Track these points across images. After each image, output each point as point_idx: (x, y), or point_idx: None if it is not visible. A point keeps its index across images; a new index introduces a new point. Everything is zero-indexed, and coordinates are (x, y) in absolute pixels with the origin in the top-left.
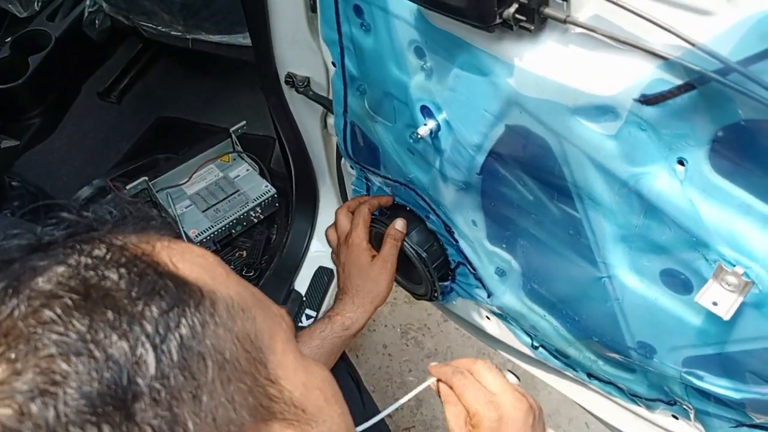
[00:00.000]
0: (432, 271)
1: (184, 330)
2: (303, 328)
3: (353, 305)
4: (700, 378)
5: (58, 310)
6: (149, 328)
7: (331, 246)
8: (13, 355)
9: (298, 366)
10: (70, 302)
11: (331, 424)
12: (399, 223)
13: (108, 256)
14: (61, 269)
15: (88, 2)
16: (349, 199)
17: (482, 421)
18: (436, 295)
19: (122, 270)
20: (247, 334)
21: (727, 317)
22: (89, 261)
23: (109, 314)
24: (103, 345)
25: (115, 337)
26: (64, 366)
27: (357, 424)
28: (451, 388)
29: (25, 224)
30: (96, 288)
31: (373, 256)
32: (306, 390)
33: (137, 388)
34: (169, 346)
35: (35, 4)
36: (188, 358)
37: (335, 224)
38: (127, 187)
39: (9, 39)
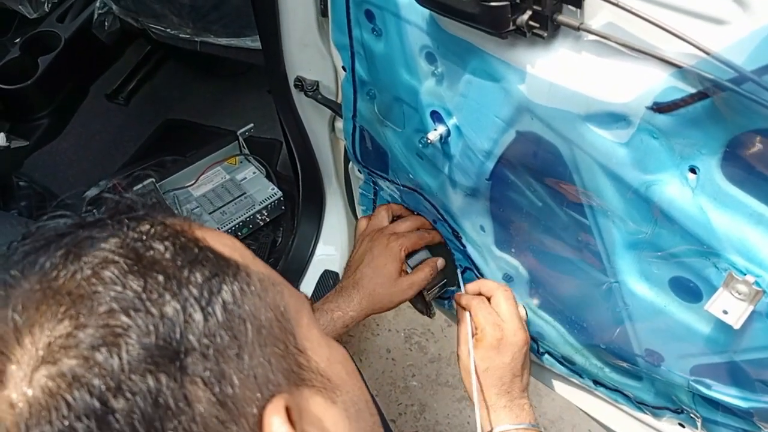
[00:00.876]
0: (426, 294)
1: (225, 295)
2: None
3: (358, 305)
4: (708, 387)
5: (116, 272)
6: (195, 291)
7: (357, 231)
8: (76, 312)
9: (321, 341)
10: (125, 266)
11: (353, 395)
12: (440, 261)
13: (153, 231)
14: (113, 240)
15: (97, 4)
16: (356, 203)
17: (486, 337)
18: (432, 314)
19: (167, 243)
20: (277, 305)
21: (737, 326)
22: (136, 234)
23: (160, 277)
24: (158, 303)
25: (167, 297)
26: (124, 319)
27: None
28: (469, 310)
29: (20, 220)
30: (145, 256)
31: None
32: (330, 363)
33: (188, 343)
34: (214, 308)
35: (45, 5)
36: (231, 320)
37: (372, 215)
38: (134, 188)
39: (19, 40)
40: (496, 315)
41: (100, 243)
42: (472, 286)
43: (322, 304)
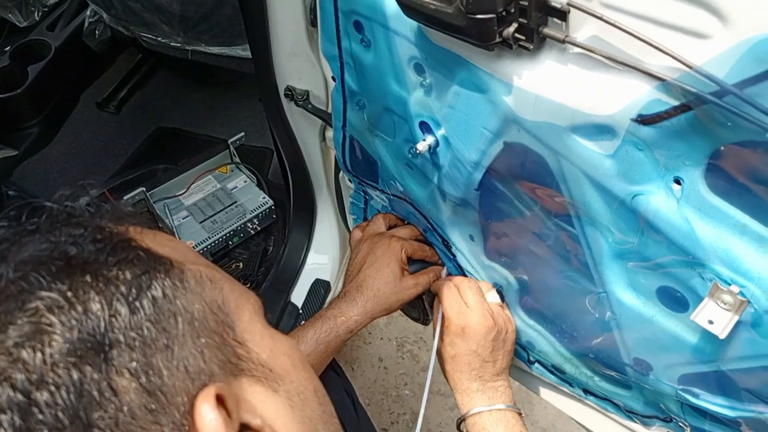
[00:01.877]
0: (425, 299)
1: (155, 291)
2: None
3: (363, 308)
4: (695, 396)
5: (43, 273)
6: (123, 288)
7: (351, 242)
8: (3, 311)
9: (265, 333)
10: (53, 268)
11: (298, 384)
12: (444, 271)
13: (85, 233)
14: (43, 244)
15: (88, 13)
16: (347, 211)
17: (450, 325)
18: (428, 321)
19: (98, 244)
20: (214, 299)
21: (722, 336)
22: (69, 238)
23: (87, 277)
24: (83, 300)
25: (92, 294)
26: (49, 316)
27: None
28: (439, 297)
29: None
30: (75, 257)
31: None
32: (273, 354)
33: (113, 336)
34: (142, 303)
35: (35, 13)
36: (159, 314)
37: (369, 222)
38: (125, 197)
39: (9, 48)
40: (462, 304)
41: (31, 246)
42: (439, 282)
43: (325, 311)
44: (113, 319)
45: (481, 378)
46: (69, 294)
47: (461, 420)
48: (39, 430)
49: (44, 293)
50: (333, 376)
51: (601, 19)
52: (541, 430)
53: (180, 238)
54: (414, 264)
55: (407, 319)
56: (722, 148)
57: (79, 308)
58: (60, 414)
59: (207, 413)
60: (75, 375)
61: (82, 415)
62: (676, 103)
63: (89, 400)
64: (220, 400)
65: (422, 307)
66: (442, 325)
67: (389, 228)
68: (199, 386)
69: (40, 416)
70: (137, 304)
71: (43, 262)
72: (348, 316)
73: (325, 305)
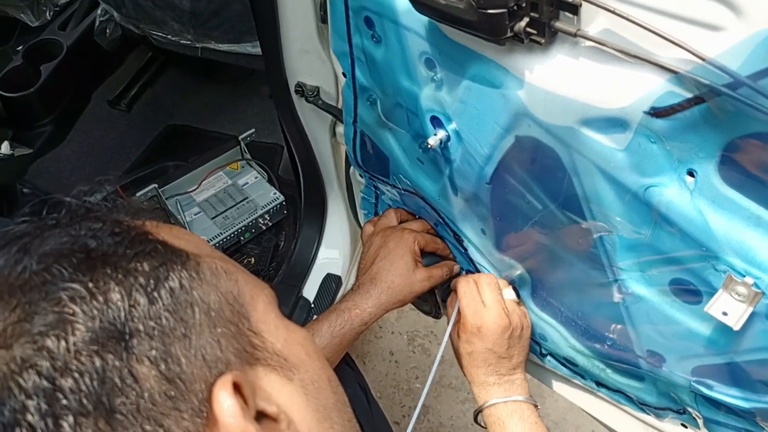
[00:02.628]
0: (437, 293)
1: (172, 283)
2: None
3: (377, 299)
4: (709, 387)
5: (65, 265)
6: (142, 279)
7: (362, 236)
8: (27, 302)
9: (279, 324)
10: (74, 260)
11: (312, 374)
12: (458, 267)
13: (104, 227)
14: (64, 238)
15: (99, 12)
16: (357, 206)
17: (467, 324)
18: (439, 315)
19: (117, 237)
20: (230, 291)
21: (737, 327)
22: (88, 231)
23: (107, 269)
24: (103, 291)
25: (113, 285)
26: (72, 306)
27: (366, 431)
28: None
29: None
30: (95, 250)
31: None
32: (287, 344)
33: (133, 325)
34: (160, 293)
35: (47, 13)
36: (177, 304)
37: (381, 216)
38: (137, 194)
39: (21, 48)
40: (479, 302)
41: (52, 240)
42: (459, 278)
43: (339, 304)
44: (133, 309)
45: (497, 372)
46: (90, 285)
47: (478, 411)
48: (64, 415)
49: (66, 284)
50: (346, 370)
51: (613, 12)
52: (552, 423)
53: None
54: (427, 257)
55: (418, 313)
56: (736, 139)
57: (100, 298)
58: (84, 400)
59: (224, 400)
60: (97, 362)
61: (105, 401)
62: (689, 95)
63: (111, 387)
64: (237, 388)
65: (434, 301)
66: (457, 321)
67: (400, 222)
68: (216, 374)
69: (65, 402)
70: (155, 294)
71: (65, 254)
72: (362, 309)
73: (337, 299)
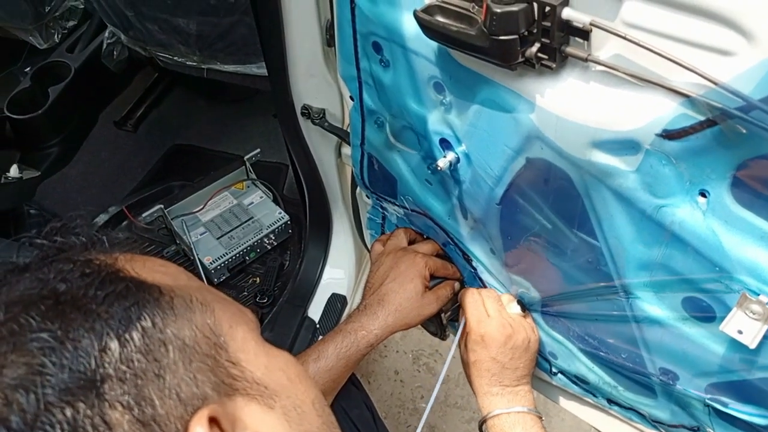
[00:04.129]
0: (443, 315)
1: (144, 322)
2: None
3: (384, 321)
4: (724, 405)
5: (33, 314)
6: (113, 322)
7: (371, 255)
8: None
9: (259, 351)
10: (43, 307)
11: (295, 399)
12: (458, 284)
13: (74, 269)
14: (33, 283)
15: (106, 34)
16: (364, 227)
17: (471, 333)
18: (445, 336)
19: (87, 279)
20: (206, 323)
21: (752, 345)
22: (58, 274)
23: (77, 314)
24: (73, 338)
25: (82, 331)
26: (41, 358)
27: None
28: (463, 306)
29: (14, 246)
30: (64, 294)
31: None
32: (268, 371)
33: (104, 371)
34: (132, 335)
35: (55, 35)
36: (150, 344)
37: (391, 235)
38: (143, 215)
39: (29, 70)
40: (483, 313)
41: (21, 285)
42: (465, 289)
43: (345, 324)
44: (104, 354)
45: (500, 383)
46: (59, 333)
47: (482, 422)
48: None
49: (35, 335)
50: (352, 390)
51: (624, 38)
52: None
53: (198, 254)
54: (433, 279)
55: (423, 332)
56: (748, 161)
57: (70, 347)
58: None
59: None
60: (68, 413)
61: None
62: (702, 117)
63: None
64: (215, 422)
65: (439, 323)
66: (464, 332)
67: (410, 242)
68: (192, 411)
69: None
70: (127, 336)
71: (33, 302)
72: (368, 330)
73: (343, 318)
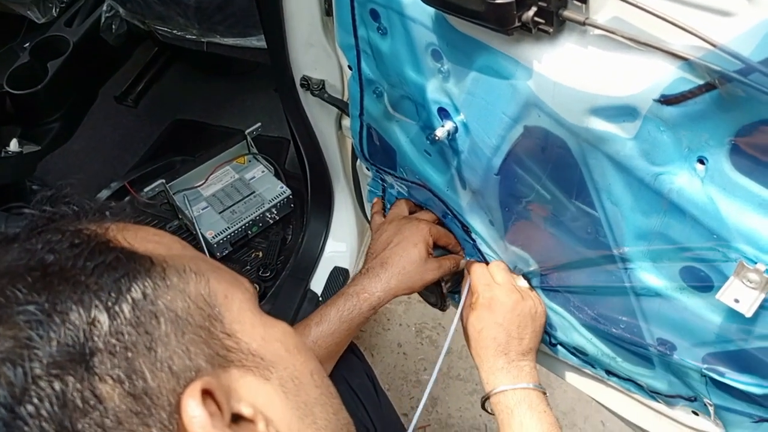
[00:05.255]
0: (443, 285)
1: (135, 294)
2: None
3: (386, 284)
4: (721, 374)
5: (20, 287)
6: (102, 294)
7: (372, 226)
8: None
9: (256, 322)
10: (30, 279)
11: (293, 370)
12: (464, 261)
13: (63, 239)
14: (20, 254)
15: (105, 7)
16: (364, 199)
17: (478, 298)
18: (445, 306)
19: (76, 249)
20: (199, 293)
21: (749, 314)
22: (46, 245)
23: (65, 286)
24: (61, 311)
25: (70, 304)
26: (29, 332)
27: (373, 422)
28: (468, 272)
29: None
30: (52, 266)
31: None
32: (264, 342)
33: (94, 345)
34: (122, 307)
35: (53, 10)
36: (140, 316)
37: (393, 205)
38: (145, 189)
39: (28, 45)
40: (490, 278)
41: (8, 257)
42: (470, 260)
43: (347, 288)
44: (93, 328)
45: (506, 355)
46: (47, 306)
47: (485, 398)
48: None
49: (22, 307)
50: (354, 360)
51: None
52: (561, 414)
53: (200, 229)
54: (436, 249)
55: (425, 305)
56: (747, 126)
57: (58, 320)
58: (44, 424)
59: (192, 410)
60: (57, 386)
61: (67, 425)
62: (700, 82)
63: (73, 409)
64: (208, 394)
65: (440, 293)
66: (467, 303)
67: (410, 213)
68: (185, 383)
69: (26, 428)
70: (116, 309)
71: (20, 273)
72: (371, 292)
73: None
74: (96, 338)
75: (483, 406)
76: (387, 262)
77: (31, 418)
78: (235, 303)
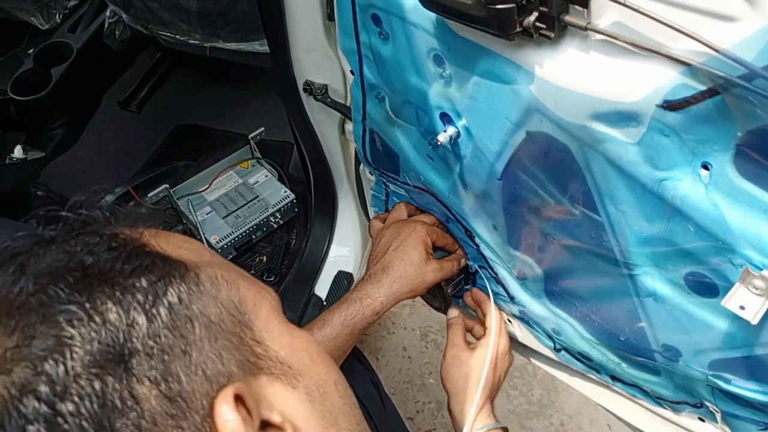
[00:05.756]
0: (446, 287)
1: (171, 297)
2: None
3: (389, 289)
4: (727, 381)
5: (62, 286)
6: (140, 296)
7: (370, 231)
8: (24, 324)
9: (283, 330)
10: (71, 279)
11: (318, 379)
12: (464, 260)
13: (100, 242)
14: (60, 255)
15: (108, 13)
16: (367, 203)
17: (501, 343)
18: (448, 310)
19: (113, 253)
20: (231, 300)
21: (755, 321)
22: (84, 247)
23: (104, 287)
24: (101, 311)
25: (110, 304)
26: (69, 329)
27: (378, 431)
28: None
29: (29, 227)
30: (91, 267)
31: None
32: (291, 350)
33: (132, 346)
34: (159, 310)
35: (57, 16)
36: (176, 320)
37: (392, 209)
38: (149, 195)
39: (32, 51)
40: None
41: (48, 257)
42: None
43: (350, 294)
44: (131, 329)
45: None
46: (87, 306)
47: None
48: None
49: (64, 306)
50: (358, 367)
51: (623, 4)
52: (567, 417)
53: (204, 234)
54: (437, 251)
55: (430, 308)
56: (751, 131)
57: (98, 320)
58: (84, 423)
59: (226, 414)
60: (97, 385)
61: (105, 424)
62: (703, 87)
63: (112, 409)
64: (240, 400)
65: (443, 296)
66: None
67: (410, 216)
68: (217, 388)
69: (66, 426)
70: (154, 311)
71: (61, 273)
72: (374, 298)
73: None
74: (135, 340)
75: None
76: (388, 267)
77: (71, 417)
78: (263, 311)
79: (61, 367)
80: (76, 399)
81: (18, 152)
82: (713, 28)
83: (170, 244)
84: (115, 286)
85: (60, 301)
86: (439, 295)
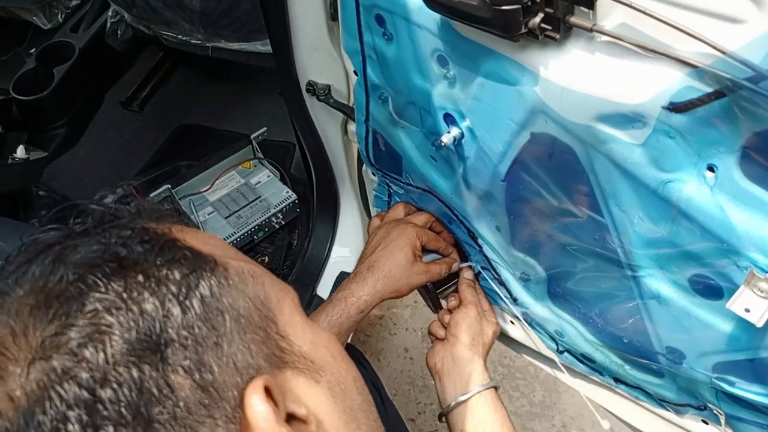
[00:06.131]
0: (433, 289)
1: (203, 290)
2: None
3: (372, 287)
4: (731, 384)
5: (99, 275)
6: (173, 288)
7: (369, 229)
8: (64, 313)
9: (305, 327)
10: (107, 269)
11: (338, 375)
12: (456, 265)
13: (133, 235)
14: (96, 246)
15: (110, 13)
16: (370, 204)
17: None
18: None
19: (146, 245)
20: (257, 295)
21: (760, 324)
22: (118, 239)
23: (140, 277)
24: (138, 301)
25: (146, 295)
26: (108, 318)
27: None
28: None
29: (30, 227)
30: (126, 259)
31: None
32: (314, 346)
33: (168, 336)
34: (192, 302)
35: (59, 15)
36: (209, 312)
37: (390, 209)
38: (151, 194)
39: (34, 51)
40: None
41: (83, 248)
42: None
43: (336, 294)
44: (167, 319)
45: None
46: (124, 295)
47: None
48: (104, 425)
49: (102, 295)
50: (359, 369)
51: (630, 6)
52: (569, 418)
53: None
54: (427, 254)
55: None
56: (758, 134)
57: (135, 309)
58: (123, 410)
59: (257, 404)
60: (135, 373)
61: (143, 411)
62: (709, 89)
63: (149, 397)
64: (268, 392)
65: (430, 298)
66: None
67: (407, 215)
68: (247, 380)
69: (105, 412)
70: (188, 303)
71: (98, 263)
72: (358, 296)
73: None
74: (170, 330)
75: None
76: (373, 266)
77: (110, 403)
78: (286, 307)
79: (101, 355)
80: (115, 386)
81: (21, 152)
82: (720, 29)
83: (198, 240)
84: (150, 277)
85: (98, 290)
86: (426, 297)
